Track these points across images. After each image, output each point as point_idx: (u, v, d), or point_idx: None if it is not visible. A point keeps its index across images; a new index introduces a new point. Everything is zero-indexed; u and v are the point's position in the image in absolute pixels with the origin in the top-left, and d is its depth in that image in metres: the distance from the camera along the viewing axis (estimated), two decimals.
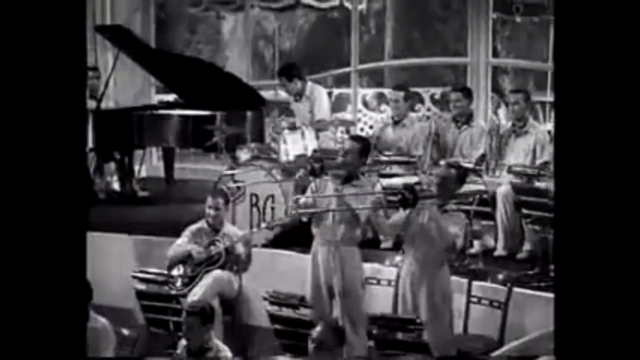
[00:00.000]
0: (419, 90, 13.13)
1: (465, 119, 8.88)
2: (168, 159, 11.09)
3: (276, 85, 11.16)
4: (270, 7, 14.21)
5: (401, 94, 9.08)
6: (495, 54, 15.22)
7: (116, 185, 11.13)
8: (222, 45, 16.10)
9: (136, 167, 11.22)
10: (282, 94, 12.49)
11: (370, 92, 13.56)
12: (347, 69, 12.27)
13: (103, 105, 10.52)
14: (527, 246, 7.98)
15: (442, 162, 7.82)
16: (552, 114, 12.16)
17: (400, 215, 6.57)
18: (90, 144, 10.19)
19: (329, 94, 12.99)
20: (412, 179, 8.18)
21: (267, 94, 12.92)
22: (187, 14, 14.84)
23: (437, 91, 13.18)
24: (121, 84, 11.16)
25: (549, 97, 12.32)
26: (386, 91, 13.42)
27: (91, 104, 10.77)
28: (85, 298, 7.04)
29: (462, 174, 6.80)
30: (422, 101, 13.05)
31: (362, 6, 13.31)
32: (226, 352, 6.27)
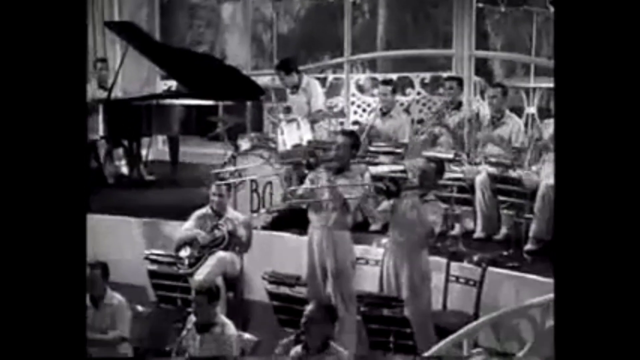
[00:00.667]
0: (410, 74, 13.83)
1: (456, 105, 9.72)
2: (173, 144, 11.79)
3: (274, 72, 11.82)
4: None
5: (389, 88, 9.87)
6: (486, 37, 15.93)
7: (125, 170, 11.86)
8: (222, 29, 16.60)
9: (143, 152, 11.96)
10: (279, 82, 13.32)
11: (363, 77, 14.19)
12: (340, 60, 12.90)
13: (112, 94, 11.29)
14: (503, 229, 8.75)
15: (423, 154, 8.60)
16: (536, 99, 12.96)
17: (387, 203, 7.35)
18: (101, 132, 10.95)
19: (324, 79, 13.75)
20: (399, 167, 9.00)
21: (265, 80, 13.75)
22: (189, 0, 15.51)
23: (427, 75, 13.88)
24: (128, 73, 11.70)
25: (532, 84, 13.05)
26: (379, 76, 14.18)
27: (101, 93, 11.55)
28: (104, 274, 7.87)
29: (441, 167, 7.59)
30: (412, 85, 13.71)
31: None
32: (230, 326, 7.04)
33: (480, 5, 12.49)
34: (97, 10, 12.60)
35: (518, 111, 11.33)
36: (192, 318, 7.03)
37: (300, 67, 11.00)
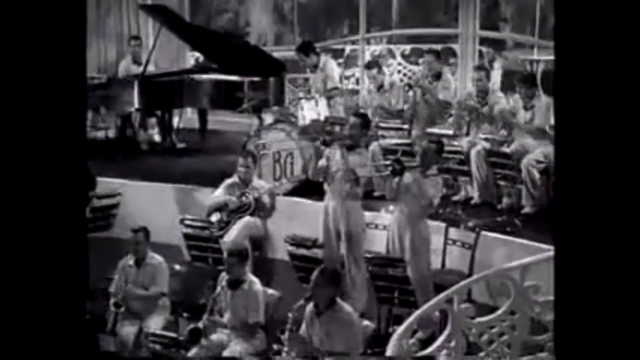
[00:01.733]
0: (422, 46, 14.84)
1: (436, 76, 10.74)
2: (202, 114, 13.00)
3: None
4: None
5: (374, 71, 10.97)
6: (497, 5, 16.87)
7: (157, 138, 13.07)
8: (247, 2, 17.75)
9: (174, 121, 13.11)
10: None
11: (379, 48, 15.24)
12: (356, 37, 13.95)
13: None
14: (506, 200, 9.92)
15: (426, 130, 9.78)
16: (540, 69, 14.00)
17: (393, 180, 8.51)
18: (136, 105, 12.13)
19: (342, 50, 14.84)
20: (406, 140, 10.16)
21: (287, 53, 14.89)
22: None
23: (408, 47, 14.92)
24: (160, 48, 12.70)
25: (536, 56, 14.09)
26: (393, 47, 15.24)
27: (135, 68, 12.72)
28: (146, 237, 9.01)
29: (440, 148, 8.73)
30: (393, 56, 14.76)
31: None
32: (257, 282, 8.23)
33: None
34: None
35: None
36: (225, 276, 8.24)
37: (319, 45, 12.15)
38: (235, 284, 8.11)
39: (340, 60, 14.64)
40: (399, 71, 14.70)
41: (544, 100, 9.79)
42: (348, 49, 15.01)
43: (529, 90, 9.83)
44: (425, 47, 14.64)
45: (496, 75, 13.95)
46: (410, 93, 10.57)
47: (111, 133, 13.05)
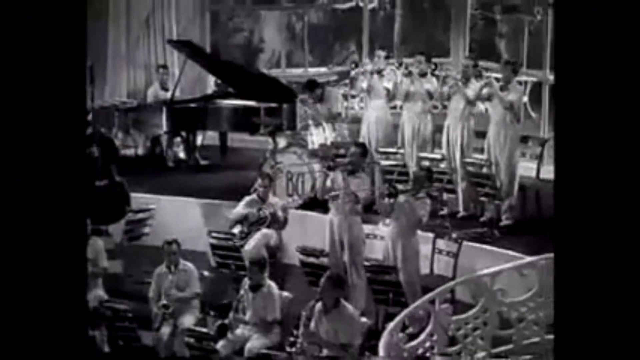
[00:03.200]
0: None
1: (422, 75, 12.14)
2: (222, 134, 14.79)
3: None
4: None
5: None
6: (494, 22, 18.30)
7: (182, 155, 14.82)
8: (259, 19, 19.26)
9: (198, 139, 14.79)
10: (310, 71, 16.19)
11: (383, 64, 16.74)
12: (359, 70, 15.62)
13: (170, 94, 14.17)
14: (487, 214, 11.64)
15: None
16: (529, 89, 15.54)
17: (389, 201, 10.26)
18: (164, 128, 13.92)
19: (348, 72, 16.43)
20: (400, 162, 11.90)
21: (298, 71, 16.64)
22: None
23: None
24: (183, 74, 14.35)
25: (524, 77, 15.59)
26: (395, 62, 16.80)
27: (162, 94, 14.50)
28: (178, 247, 10.69)
29: (430, 175, 10.51)
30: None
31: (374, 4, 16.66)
32: (274, 287, 9.94)
33: (475, 13, 15.29)
34: (157, 21, 15.50)
35: None
36: (247, 281, 9.98)
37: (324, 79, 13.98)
38: (256, 287, 9.84)
39: (347, 81, 16.22)
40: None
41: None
42: (353, 72, 16.58)
43: None
44: None
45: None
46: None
47: (140, 151, 14.84)
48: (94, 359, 9.99)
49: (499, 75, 11.89)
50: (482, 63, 13.70)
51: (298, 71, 16.86)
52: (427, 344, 8.79)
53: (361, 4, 16.25)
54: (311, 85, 13.25)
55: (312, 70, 16.88)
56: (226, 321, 9.92)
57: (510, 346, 9.03)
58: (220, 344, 9.70)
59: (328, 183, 10.70)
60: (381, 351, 8.28)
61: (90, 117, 12.70)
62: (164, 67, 14.96)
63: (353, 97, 15.08)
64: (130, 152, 14.77)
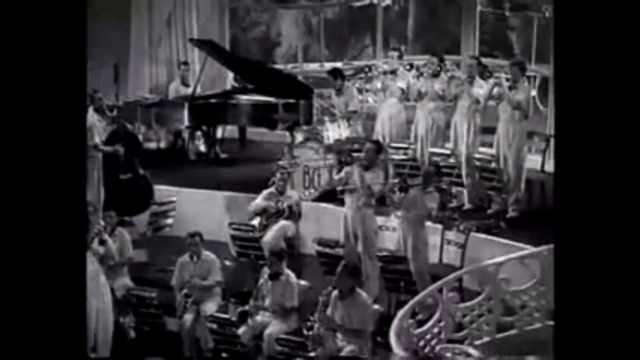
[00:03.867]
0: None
1: (434, 75, 12.72)
2: (241, 127, 15.50)
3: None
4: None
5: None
6: (504, 18, 18.90)
7: (202, 148, 15.52)
8: (276, 13, 19.86)
9: (218, 133, 15.48)
10: (326, 66, 16.88)
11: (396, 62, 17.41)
12: (373, 62, 16.36)
13: (191, 90, 14.88)
14: (494, 206, 12.30)
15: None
16: (537, 83, 16.17)
17: (400, 194, 10.94)
18: (186, 123, 14.64)
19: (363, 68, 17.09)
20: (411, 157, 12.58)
21: (314, 65, 17.33)
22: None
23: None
24: (204, 72, 15.13)
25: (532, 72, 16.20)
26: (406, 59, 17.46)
27: (183, 89, 15.21)
28: (201, 239, 11.38)
29: (439, 171, 11.19)
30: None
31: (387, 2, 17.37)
32: (292, 275, 10.62)
33: (484, 9, 15.94)
34: (178, 19, 16.21)
35: None
36: (266, 270, 10.69)
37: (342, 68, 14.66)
38: (275, 276, 10.54)
39: (362, 75, 16.86)
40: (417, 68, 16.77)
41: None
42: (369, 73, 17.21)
43: None
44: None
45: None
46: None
47: (162, 144, 15.56)
48: (123, 345, 10.75)
49: (508, 76, 12.47)
50: (488, 60, 14.45)
51: (314, 65, 17.55)
52: (435, 330, 9.43)
53: (375, 1, 16.84)
54: (335, 73, 13.89)
55: (327, 65, 17.53)
56: (247, 308, 10.65)
57: (513, 332, 9.70)
58: (241, 330, 10.45)
59: (342, 175, 11.38)
60: (392, 336, 8.93)
61: (115, 113, 13.40)
62: (185, 63, 15.66)
63: (367, 91, 15.74)
64: (152, 145, 15.48)
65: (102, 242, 10.95)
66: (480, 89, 12.26)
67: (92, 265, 10.30)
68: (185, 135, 15.30)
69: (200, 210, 13.25)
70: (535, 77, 15.98)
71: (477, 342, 9.50)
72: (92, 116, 13.02)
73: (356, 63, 17.78)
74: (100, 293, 10.25)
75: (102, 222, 11.26)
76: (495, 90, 12.09)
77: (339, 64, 17.26)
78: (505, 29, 19.02)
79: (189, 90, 14.86)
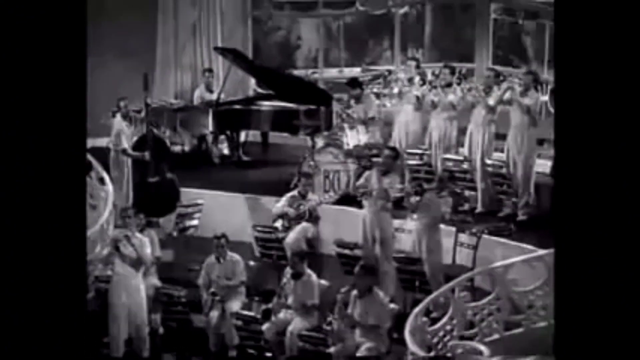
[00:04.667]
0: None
1: (447, 85, 13.50)
2: (264, 132, 16.30)
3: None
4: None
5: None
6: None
7: (226, 151, 16.29)
8: (297, 18, 20.51)
9: (241, 137, 16.19)
10: (346, 71, 17.67)
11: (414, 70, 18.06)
12: (391, 67, 17.12)
13: (215, 96, 15.65)
14: (505, 210, 13.04)
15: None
16: (550, 88, 16.80)
17: (416, 198, 11.70)
18: (210, 128, 15.43)
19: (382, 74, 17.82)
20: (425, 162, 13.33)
21: (333, 71, 18.10)
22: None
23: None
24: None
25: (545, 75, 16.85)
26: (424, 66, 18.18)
27: (208, 95, 15.99)
28: (226, 241, 12.11)
29: (452, 176, 11.94)
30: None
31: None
32: (313, 275, 11.35)
33: (498, 18, 16.66)
34: (203, 27, 17.01)
35: None
36: (289, 270, 11.44)
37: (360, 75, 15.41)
38: (297, 275, 11.30)
39: (380, 80, 17.57)
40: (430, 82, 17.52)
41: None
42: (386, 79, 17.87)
43: None
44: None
45: None
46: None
47: (186, 147, 16.34)
48: (153, 340, 11.51)
49: (520, 81, 13.17)
50: (503, 69, 15.17)
51: (333, 71, 18.33)
52: (448, 327, 10.21)
53: (393, 10, 17.61)
54: (354, 83, 14.64)
55: (346, 70, 18.38)
56: (270, 306, 11.41)
57: (520, 330, 10.44)
58: (265, 326, 11.21)
59: (361, 181, 12.16)
60: (407, 333, 9.70)
61: (144, 115, 14.18)
62: (210, 70, 16.44)
63: (385, 95, 16.45)
64: (177, 148, 16.23)
65: (118, 249, 11.38)
66: (495, 99, 12.97)
67: (121, 267, 11.13)
68: (209, 139, 16.05)
69: (224, 211, 13.98)
70: (547, 83, 16.59)
71: (487, 339, 10.25)
72: (119, 123, 13.88)
73: (374, 67, 18.47)
74: (133, 293, 11.06)
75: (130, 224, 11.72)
76: (507, 95, 12.77)
77: (357, 69, 18.08)
78: (520, 33, 19.69)
79: (214, 97, 15.65)
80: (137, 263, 11.34)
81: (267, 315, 11.42)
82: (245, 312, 11.46)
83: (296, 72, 17.88)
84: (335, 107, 15.29)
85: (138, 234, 11.60)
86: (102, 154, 14.30)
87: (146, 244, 11.51)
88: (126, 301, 11.26)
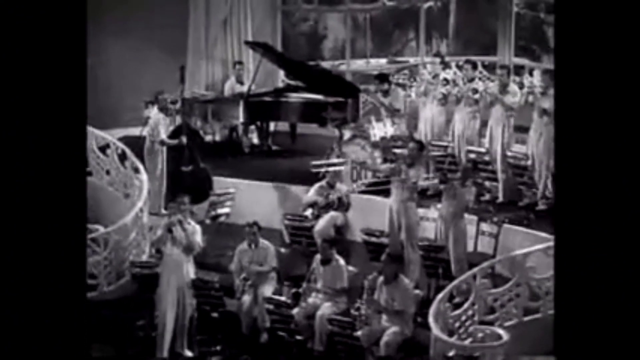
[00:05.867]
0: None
1: (469, 80, 14.28)
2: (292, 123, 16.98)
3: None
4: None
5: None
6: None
7: (255, 141, 17.00)
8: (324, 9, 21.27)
9: (271, 127, 16.97)
10: (372, 62, 18.30)
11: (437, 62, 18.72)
12: (417, 59, 17.78)
13: (245, 88, 16.36)
14: (525, 200, 13.66)
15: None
16: None
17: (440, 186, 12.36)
18: (241, 119, 16.12)
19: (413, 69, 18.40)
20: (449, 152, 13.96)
21: (360, 62, 18.73)
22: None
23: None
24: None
25: None
26: (448, 59, 18.79)
27: (238, 87, 16.67)
28: (258, 228, 12.77)
29: (475, 167, 12.57)
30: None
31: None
32: (341, 261, 11.95)
33: (520, 11, 17.26)
34: (234, 21, 17.69)
35: None
36: (318, 256, 12.06)
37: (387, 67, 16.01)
38: (326, 261, 11.94)
39: (406, 72, 18.16)
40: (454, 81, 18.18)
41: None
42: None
43: None
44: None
45: None
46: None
47: (217, 137, 17.05)
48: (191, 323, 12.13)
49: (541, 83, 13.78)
50: (522, 61, 15.74)
51: (360, 62, 18.98)
52: (470, 312, 10.82)
53: (418, 4, 18.24)
54: (382, 78, 15.30)
55: (373, 61, 19.03)
56: (300, 290, 12.03)
57: (538, 315, 11.05)
58: (295, 311, 11.77)
59: (387, 165, 12.93)
60: (431, 317, 10.34)
61: (179, 107, 14.88)
62: (240, 63, 17.15)
63: (410, 87, 17.06)
64: (208, 138, 16.94)
65: (171, 232, 11.82)
66: (513, 97, 13.58)
67: (172, 250, 11.73)
68: (240, 129, 16.74)
69: (254, 199, 14.66)
70: None
71: (507, 324, 10.85)
72: (156, 114, 14.59)
73: (400, 59, 19.13)
74: (182, 276, 11.77)
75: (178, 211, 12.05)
76: (529, 98, 13.40)
77: (383, 60, 18.72)
78: (542, 23, 20.20)
79: (244, 88, 16.40)
80: (187, 248, 11.87)
81: (297, 297, 11.97)
82: (277, 297, 11.98)
83: (323, 64, 18.57)
84: (362, 97, 15.96)
85: (191, 221, 12.08)
86: (135, 144, 15.06)
87: (197, 231, 11.97)
88: (174, 283, 11.83)
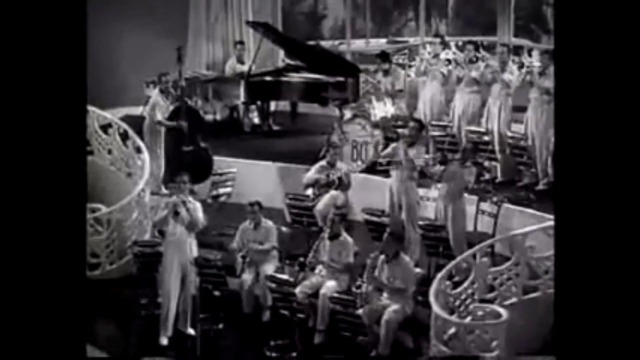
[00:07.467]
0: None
1: (471, 61, 14.45)
2: (293, 102, 17.15)
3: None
4: None
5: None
6: None
7: (256, 120, 17.19)
8: None
9: (271, 107, 17.18)
10: (372, 42, 18.47)
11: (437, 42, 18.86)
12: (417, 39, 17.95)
13: (246, 67, 16.54)
14: (524, 180, 13.86)
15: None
16: None
17: (440, 167, 12.52)
18: (242, 99, 16.29)
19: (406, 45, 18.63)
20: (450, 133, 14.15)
21: (360, 42, 18.89)
22: None
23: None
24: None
25: None
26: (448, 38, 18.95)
27: (239, 67, 16.84)
28: (260, 209, 12.94)
29: (476, 147, 12.73)
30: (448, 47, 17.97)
31: None
32: (348, 237, 12.17)
33: None
34: (235, 2, 17.86)
35: None
36: (325, 233, 12.25)
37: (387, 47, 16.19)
38: (334, 237, 12.12)
39: (406, 52, 18.38)
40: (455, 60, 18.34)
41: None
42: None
43: None
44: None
45: None
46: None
47: (218, 117, 17.24)
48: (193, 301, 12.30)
49: (539, 63, 13.97)
50: (519, 41, 15.87)
51: (360, 42, 19.14)
52: (469, 291, 11.02)
53: None
54: (383, 57, 15.52)
55: (373, 41, 19.18)
56: (306, 261, 12.16)
57: (537, 294, 11.25)
58: (297, 289, 11.91)
59: (389, 150, 13.03)
60: (431, 295, 10.55)
61: (179, 91, 15.04)
62: (241, 42, 17.32)
63: (410, 66, 17.23)
64: (209, 117, 17.11)
65: (177, 214, 12.04)
66: (511, 74, 13.77)
67: (175, 228, 11.91)
68: (241, 109, 16.92)
69: (255, 179, 14.89)
70: None
71: (506, 303, 11.04)
72: (156, 95, 14.76)
73: (400, 39, 19.29)
74: (185, 254, 11.96)
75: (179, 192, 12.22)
76: (528, 78, 13.57)
77: (383, 40, 18.88)
78: (541, 3, 20.37)
79: (245, 68, 16.57)
80: (190, 226, 12.08)
81: (302, 267, 12.07)
82: (279, 275, 12.10)
83: (323, 44, 18.74)
84: (362, 77, 16.13)
85: (192, 199, 12.26)
86: (136, 123, 15.24)
87: (199, 209, 12.18)
88: (178, 262, 12.05)
